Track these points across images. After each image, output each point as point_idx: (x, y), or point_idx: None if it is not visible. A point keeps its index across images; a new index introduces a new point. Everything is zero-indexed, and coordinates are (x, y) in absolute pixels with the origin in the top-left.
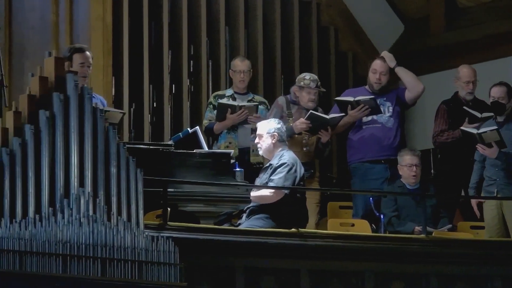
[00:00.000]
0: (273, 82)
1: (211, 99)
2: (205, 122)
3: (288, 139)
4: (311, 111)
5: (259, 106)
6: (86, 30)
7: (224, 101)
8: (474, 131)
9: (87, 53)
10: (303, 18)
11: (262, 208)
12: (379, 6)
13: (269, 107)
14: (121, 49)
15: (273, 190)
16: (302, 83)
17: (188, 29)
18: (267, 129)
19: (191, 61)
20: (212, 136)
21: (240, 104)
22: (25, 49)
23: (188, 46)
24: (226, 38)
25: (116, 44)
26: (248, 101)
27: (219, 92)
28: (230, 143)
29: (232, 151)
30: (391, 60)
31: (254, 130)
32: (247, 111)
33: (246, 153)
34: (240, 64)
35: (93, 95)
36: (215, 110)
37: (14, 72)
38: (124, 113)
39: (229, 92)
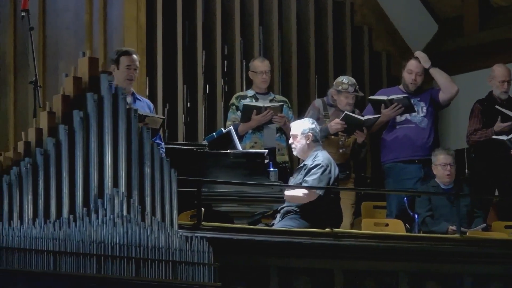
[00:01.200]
0: (306, 82)
1: (233, 100)
2: (229, 123)
3: (323, 139)
4: (346, 112)
5: (283, 106)
6: (120, 30)
7: (248, 102)
8: (504, 137)
9: (134, 56)
10: (337, 18)
11: (296, 208)
12: (413, 6)
13: (290, 106)
14: (155, 49)
15: (306, 191)
16: (340, 87)
17: (222, 29)
18: (302, 129)
19: (225, 61)
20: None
21: (265, 105)
22: (59, 49)
23: (222, 46)
24: (260, 38)
25: (150, 44)
26: (270, 100)
27: (241, 93)
28: (255, 143)
29: (266, 151)
30: (425, 61)
31: (279, 130)
32: (272, 111)
33: (271, 153)
34: (261, 65)
35: (139, 97)
36: (238, 111)
37: (48, 72)
38: (164, 119)
39: (250, 92)
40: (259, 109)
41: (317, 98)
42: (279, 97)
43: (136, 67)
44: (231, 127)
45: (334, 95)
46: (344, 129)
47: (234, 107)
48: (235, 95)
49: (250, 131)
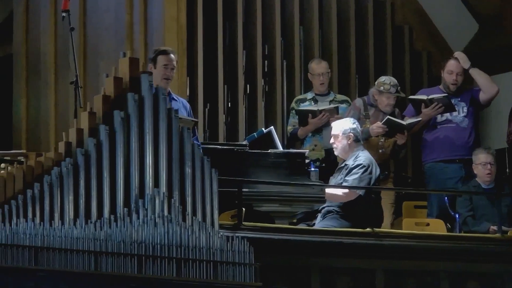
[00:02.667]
0: (347, 82)
1: (293, 104)
2: (289, 128)
3: (364, 141)
4: (388, 116)
5: (342, 105)
6: (160, 30)
7: (306, 105)
8: None
9: (171, 55)
10: (377, 18)
11: (337, 208)
12: (453, 5)
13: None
14: (195, 50)
15: (346, 190)
16: (382, 87)
17: (262, 29)
18: (343, 129)
19: (265, 61)
20: (297, 141)
21: (320, 109)
22: (99, 50)
23: (262, 46)
24: (300, 38)
25: (190, 45)
26: (330, 101)
27: (300, 97)
28: (315, 145)
29: (308, 151)
30: (465, 61)
31: None
32: (327, 113)
33: (332, 153)
34: (317, 67)
35: (175, 97)
36: (298, 115)
37: (89, 73)
38: (196, 121)
39: (309, 95)
40: (314, 113)
41: (358, 98)
42: (340, 97)
43: (173, 67)
44: (272, 127)
45: (375, 95)
46: (385, 132)
47: (293, 111)
48: (294, 99)
49: (310, 134)
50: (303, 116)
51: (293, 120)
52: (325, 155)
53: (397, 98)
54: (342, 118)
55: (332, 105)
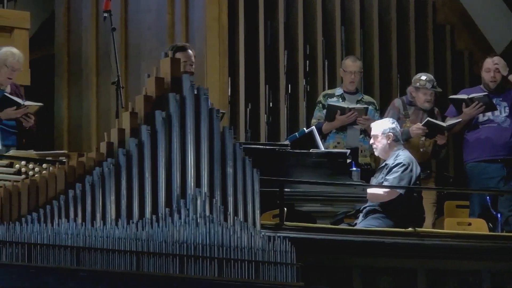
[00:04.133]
0: (389, 81)
1: (320, 98)
2: (314, 121)
3: (404, 142)
4: (428, 118)
5: (368, 107)
6: (201, 30)
7: (334, 101)
8: None
9: (189, 51)
10: (419, 17)
11: (378, 207)
12: (495, 4)
13: (378, 108)
14: (237, 50)
15: (386, 189)
16: (418, 84)
17: (304, 29)
18: (382, 129)
19: (307, 61)
20: (320, 135)
21: (350, 107)
22: (141, 50)
23: (304, 46)
24: (342, 37)
25: (232, 45)
26: (358, 101)
27: (329, 91)
28: (338, 143)
29: (348, 151)
30: (504, 69)
31: (363, 131)
32: (356, 113)
33: (354, 154)
34: (352, 65)
35: None
36: (324, 110)
37: (130, 73)
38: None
39: (338, 91)
40: (343, 110)
41: (397, 98)
42: (367, 98)
43: (192, 63)
44: (313, 127)
45: (412, 92)
46: (426, 133)
47: (320, 105)
48: (322, 93)
49: (334, 130)
50: (332, 112)
51: (319, 113)
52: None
53: (435, 94)
54: (370, 119)
55: (361, 105)
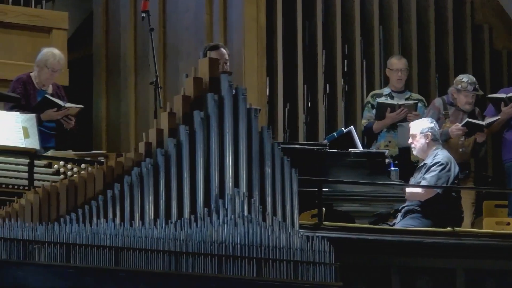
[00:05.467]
0: (427, 81)
1: (369, 98)
2: (364, 121)
3: (443, 143)
4: (467, 119)
5: (418, 103)
6: (240, 30)
7: (382, 100)
8: None
9: (222, 50)
10: (457, 17)
11: (417, 207)
12: None
13: (426, 105)
14: (275, 49)
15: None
16: (460, 86)
17: (342, 29)
18: (420, 129)
19: (345, 61)
20: (371, 135)
21: (399, 103)
22: (179, 50)
23: (342, 46)
24: (380, 37)
25: (270, 45)
26: (406, 99)
27: (377, 91)
28: (389, 142)
29: (387, 150)
30: None
31: None
32: (406, 109)
33: (406, 151)
34: (397, 63)
35: None
36: (374, 110)
37: (169, 73)
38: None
39: (386, 91)
40: (393, 107)
41: (437, 98)
42: (415, 95)
43: (226, 61)
44: (352, 127)
45: (454, 94)
46: (465, 133)
47: (369, 105)
48: (370, 93)
49: (385, 129)
50: (382, 110)
51: (368, 114)
52: (398, 153)
53: (476, 96)
54: (420, 116)
55: (411, 101)
